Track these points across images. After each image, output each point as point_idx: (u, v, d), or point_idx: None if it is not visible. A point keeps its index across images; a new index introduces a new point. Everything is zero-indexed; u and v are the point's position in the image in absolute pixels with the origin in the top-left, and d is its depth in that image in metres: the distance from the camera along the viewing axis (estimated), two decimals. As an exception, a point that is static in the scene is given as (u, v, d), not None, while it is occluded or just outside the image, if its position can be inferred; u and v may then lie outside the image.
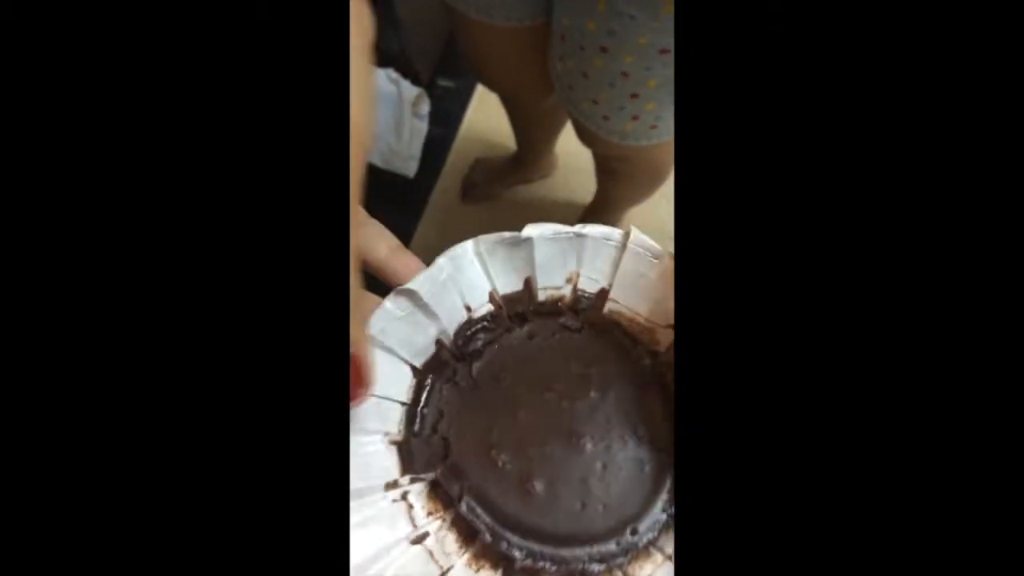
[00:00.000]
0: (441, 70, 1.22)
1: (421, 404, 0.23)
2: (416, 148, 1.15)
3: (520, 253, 0.23)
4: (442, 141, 1.19)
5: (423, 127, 1.15)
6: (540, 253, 0.23)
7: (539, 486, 0.21)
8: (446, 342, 0.23)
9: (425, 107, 1.15)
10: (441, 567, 0.20)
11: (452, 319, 0.24)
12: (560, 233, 0.23)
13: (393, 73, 1.12)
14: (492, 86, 0.78)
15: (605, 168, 0.81)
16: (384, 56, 1.10)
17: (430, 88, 1.18)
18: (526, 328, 0.24)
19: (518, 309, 0.24)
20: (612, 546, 0.21)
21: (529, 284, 0.24)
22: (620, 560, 0.20)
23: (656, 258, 0.23)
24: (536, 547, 0.21)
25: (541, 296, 0.24)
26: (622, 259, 0.23)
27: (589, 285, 0.24)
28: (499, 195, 1.14)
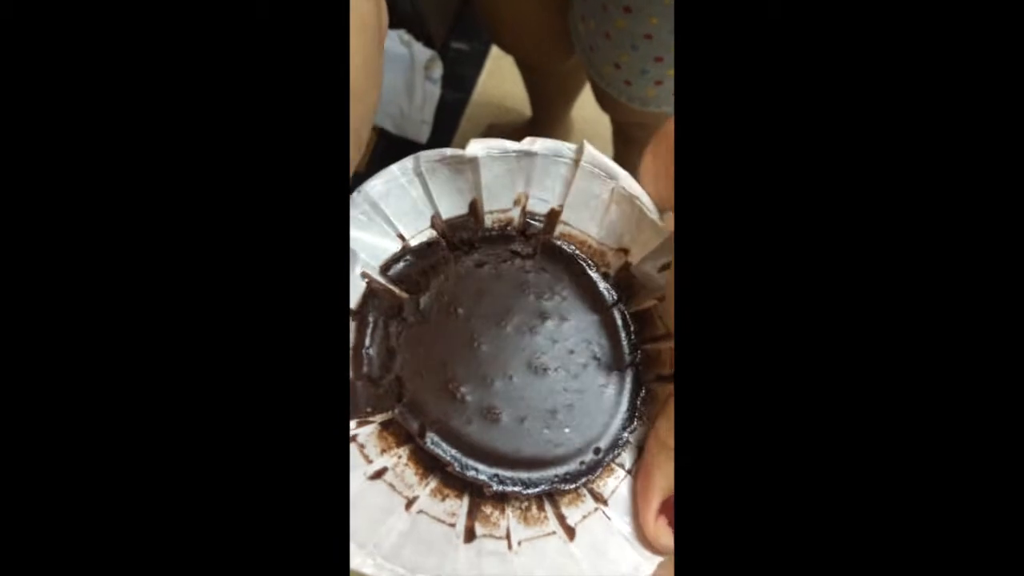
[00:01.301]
0: (455, 32, 1.18)
1: (366, 345, 0.22)
2: (428, 113, 1.12)
3: (465, 175, 0.23)
4: (455, 106, 1.16)
5: (436, 91, 1.12)
6: (487, 173, 0.22)
7: (503, 416, 0.22)
8: (373, 275, 0.22)
9: (438, 70, 1.12)
10: (406, 497, 0.20)
11: (383, 251, 0.23)
12: (508, 151, 0.22)
13: (405, 35, 1.09)
14: (508, 49, 0.76)
15: (624, 135, 0.79)
16: (396, 17, 1.07)
17: (443, 51, 1.15)
18: (474, 256, 0.23)
19: (463, 236, 0.23)
20: (577, 465, 0.21)
21: (476, 207, 0.23)
22: (586, 478, 0.21)
23: (611, 177, 0.22)
24: (504, 473, 0.21)
25: (488, 220, 0.23)
26: (574, 178, 0.23)
27: (539, 206, 0.23)
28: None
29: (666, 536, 0.17)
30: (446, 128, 1.15)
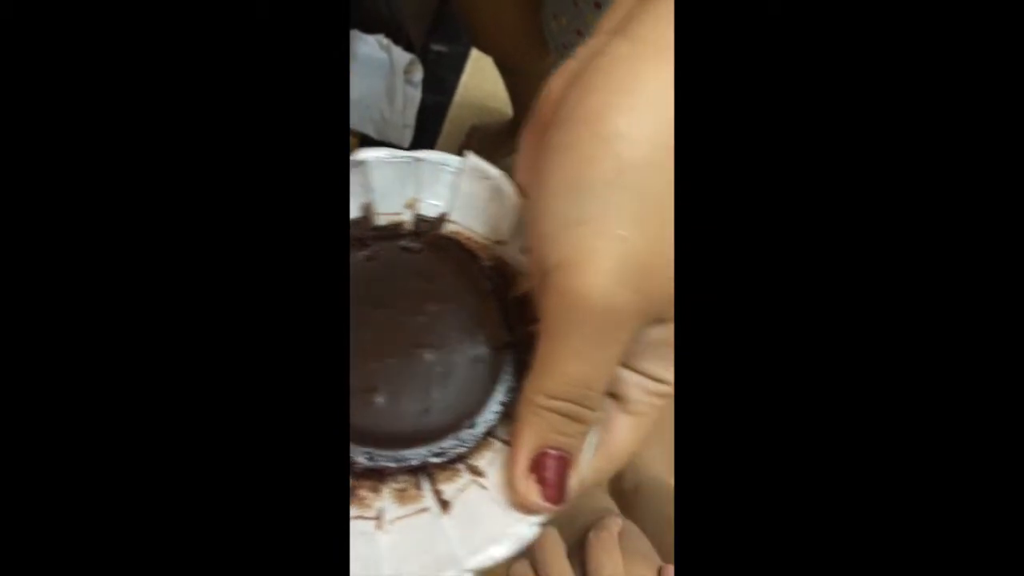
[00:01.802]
0: (434, 34, 1.18)
1: None
2: (410, 117, 1.12)
3: (357, 178, 0.24)
4: (437, 109, 1.16)
5: (416, 95, 1.12)
6: (377, 177, 0.24)
7: (380, 397, 0.22)
8: None
9: (418, 74, 1.12)
10: None
11: None
12: (397, 157, 0.24)
13: (384, 39, 1.09)
14: (486, 49, 0.76)
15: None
16: (374, 21, 1.06)
17: (423, 54, 1.14)
18: (365, 251, 0.25)
19: (355, 234, 0.25)
20: (452, 441, 0.22)
21: (368, 209, 0.25)
22: (460, 451, 0.21)
23: (487, 178, 0.24)
24: (378, 451, 0.22)
25: (381, 221, 0.25)
26: (461, 183, 0.24)
27: (429, 211, 0.25)
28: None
29: (535, 493, 0.17)
30: (428, 131, 1.15)
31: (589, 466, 0.18)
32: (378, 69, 1.08)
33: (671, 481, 0.72)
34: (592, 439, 0.18)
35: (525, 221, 0.23)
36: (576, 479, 0.18)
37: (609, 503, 0.59)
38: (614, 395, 0.18)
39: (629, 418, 0.18)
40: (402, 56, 1.09)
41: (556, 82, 0.19)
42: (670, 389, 0.17)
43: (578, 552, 0.40)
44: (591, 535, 0.40)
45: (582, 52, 0.18)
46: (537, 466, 0.17)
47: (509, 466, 0.18)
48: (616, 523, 0.42)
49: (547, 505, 0.17)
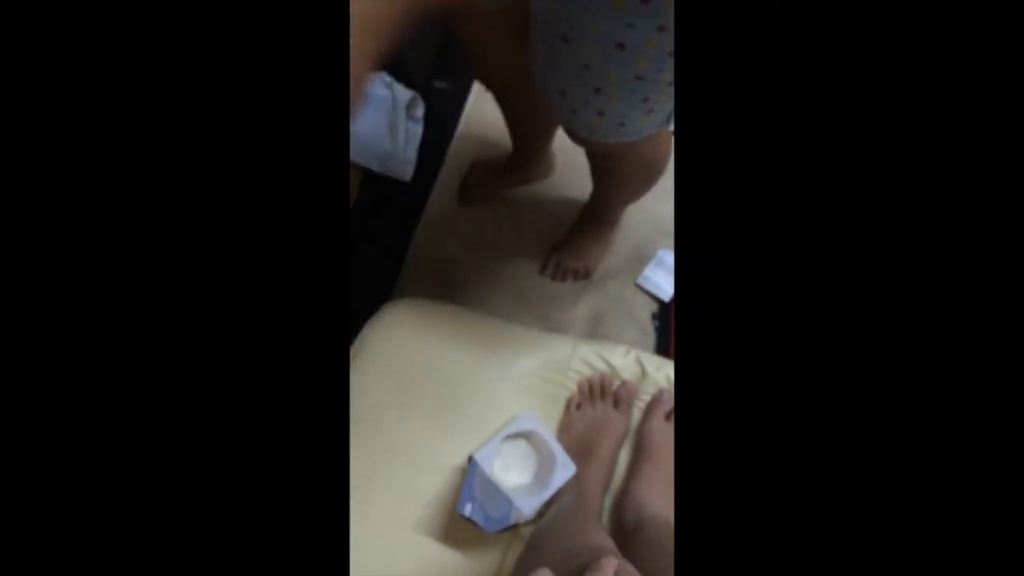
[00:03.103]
0: (435, 72, 1.21)
1: None
2: (412, 152, 1.14)
3: None
4: (438, 144, 1.17)
5: (418, 130, 1.14)
6: None
7: None
8: None
9: (420, 110, 1.14)
10: None
11: None
12: None
13: (387, 76, 1.11)
14: (485, 80, 0.77)
15: (595, 165, 0.79)
16: (376, 60, 1.09)
17: (425, 90, 1.17)
18: None
19: None
20: None
21: None
22: None
23: None
24: None
25: None
26: None
27: None
28: (497, 197, 1.13)
29: None
30: (430, 166, 1.16)
31: None
32: (381, 105, 1.10)
33: (670, 518, 0.70)
34: None
35: None
36: None
37: (607, 541, 0.57)
38: None
39: None
40: (404, 93, 1.11)
41: None
42: None
43: None
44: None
45: None
46: None
47: None
48: (612, 564, 0.41)
49: None
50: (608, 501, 0.75)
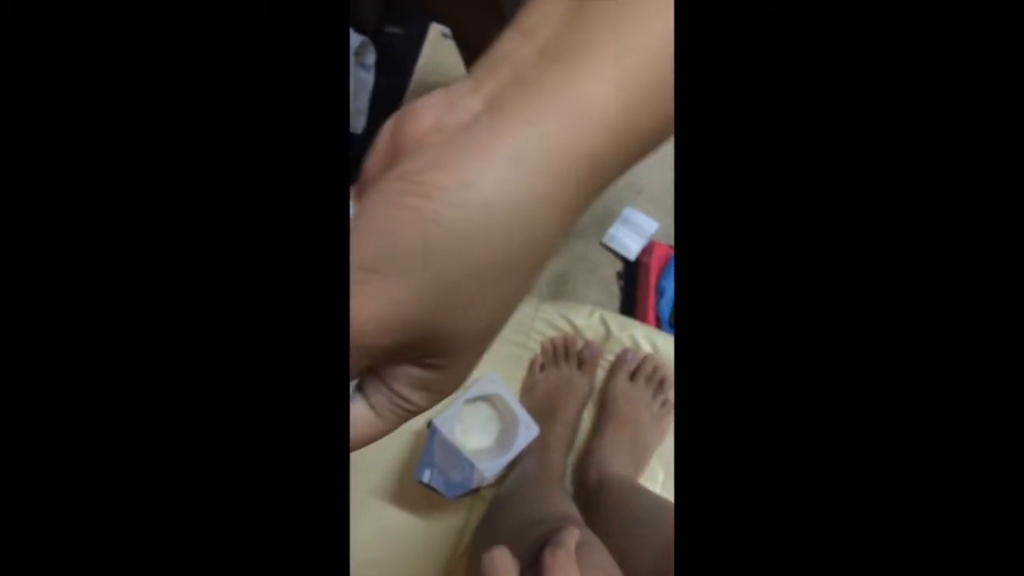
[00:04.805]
0: (387, 16, 1.13)
1: None
2: (363, 102, 1.07)
3: None
4: (392, 94, 1.11)
5: (369, 78, 1.07)
6: None
7: None
8: None
9: (371, 56, 1.07)
10: None
11: None
12: None
13: (334, 19, 1.04)
14: (443, 15, 0.71)
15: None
16: (323, 0, 1.01)
17: (376, 36, 1.09)
18: None
19: None
20: None
21: None
22: None
23: None
24: None
25: None
26: None
27: None
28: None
29: None
30: (383, 117, 1.10)
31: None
32: (328, 51, 1.03)
33: (633, 478, 0.69)
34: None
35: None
36: None
37: (569, 508, 0.55)
38: (365, 394, 0.20)
39: (371, 415, 0.20)
40: (353, 38, 1.04)
41: (423, 117, 0.17)
42: (413, 407, 0.19)
43: (532, 569, 0.37)
44: (547, 553, 0.37)
45: (458, 99, 0.17)
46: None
47: None
48: (573, 536, 0.39)
49: None
50: (570, 460, 0.74)
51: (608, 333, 0.80)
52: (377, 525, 0.72)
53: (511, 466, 0.68)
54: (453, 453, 0.64)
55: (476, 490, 0.66)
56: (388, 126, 0.19)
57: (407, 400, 0.19)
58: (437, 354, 0.18)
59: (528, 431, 0.66)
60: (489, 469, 0.64)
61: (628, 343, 0.79)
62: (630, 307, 1.05)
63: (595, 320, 0.81)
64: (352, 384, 0.19)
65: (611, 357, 0.79)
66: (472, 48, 0.80)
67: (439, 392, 0.19)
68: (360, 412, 0.20)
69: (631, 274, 1.07)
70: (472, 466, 0.63)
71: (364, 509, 0.72)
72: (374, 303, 0.16)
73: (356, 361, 0.17)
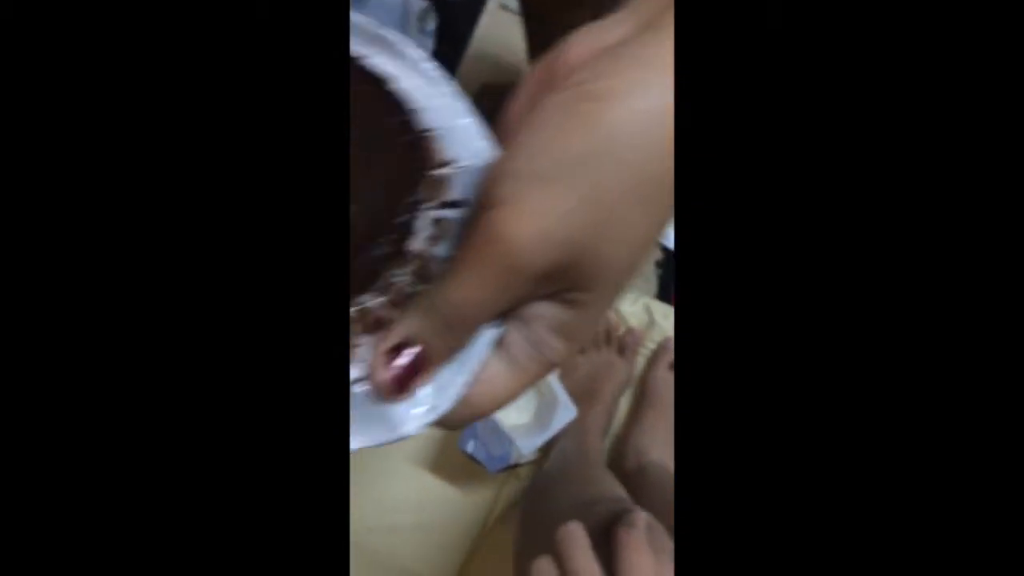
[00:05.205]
0: (450, -19, 1.11)
1: None
2: (420, 68, 1.06)
3: None
4: (447, 61, 1.10)
5: (429, 44, 1.06)
6: None
7: None
8: None
9: (431, 23, 1.05)
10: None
11: None
12: None
13: (398, -19, 1.02)
14: None
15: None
16: (388, -39, 1.00)
17: (438, 2, 1.08)
18: None
19: None
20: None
21: None
22: None
23: None
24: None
25: None
26: None
27: None
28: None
29: (382, 372, 0.18)
30: (438, 85, 1.09)
31: (450, 394, 0.19)
32: (392, 14, 1.02)
33: (671, 466, 0.70)
34: (461, 377, 0.19)
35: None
36: (426, 384, 0.18)
37: (621, 490, 0.56)
38: (501, 344, 0.19)
39: (506, 366, 0.19)
40: (416, 2, 1.03)
41: (578, 46, 0.18)
42: (552, 355, 0.19)
43: (602, 544, 0.38)
44: (620, 531, 0.38)
45: (611, 26, 0.18)
46: (395, 351, 0.18)
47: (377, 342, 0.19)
48: (642, 519, 0.40)
49: (387, 385, 0.18)
50: (606, 445, 0.75)
51: (651, 321, 0.80)
52: (408, 489, 0.73)
53: (547, 445, 0.69)
54: (494, 427, 0.64)
55: (515, 466, 0.67)
56: (540, 66, 0.19)
57: (547, 345, 0.18)
58: (580, 285, 0.17)
59: (567, 411, 0.66)
60: (526, 446, 0.65)
61: (671, 332, 0.78)
62: (667, 294, 1.05)
63: (639, 308, 0.81)
64: (492, 331, 0.19)
65: (652, 345, 0.78)
66: (541, 20, 0.79)
67: (575, 339, 0.18)
68: (494, 368, 0.19)
69: (668, 262, 1.07)
70: (511, 441, 0.64)
71: (398, 474, 0.73)
72: (535, 217, 0.15)
73: (506, 290, 0.16)
